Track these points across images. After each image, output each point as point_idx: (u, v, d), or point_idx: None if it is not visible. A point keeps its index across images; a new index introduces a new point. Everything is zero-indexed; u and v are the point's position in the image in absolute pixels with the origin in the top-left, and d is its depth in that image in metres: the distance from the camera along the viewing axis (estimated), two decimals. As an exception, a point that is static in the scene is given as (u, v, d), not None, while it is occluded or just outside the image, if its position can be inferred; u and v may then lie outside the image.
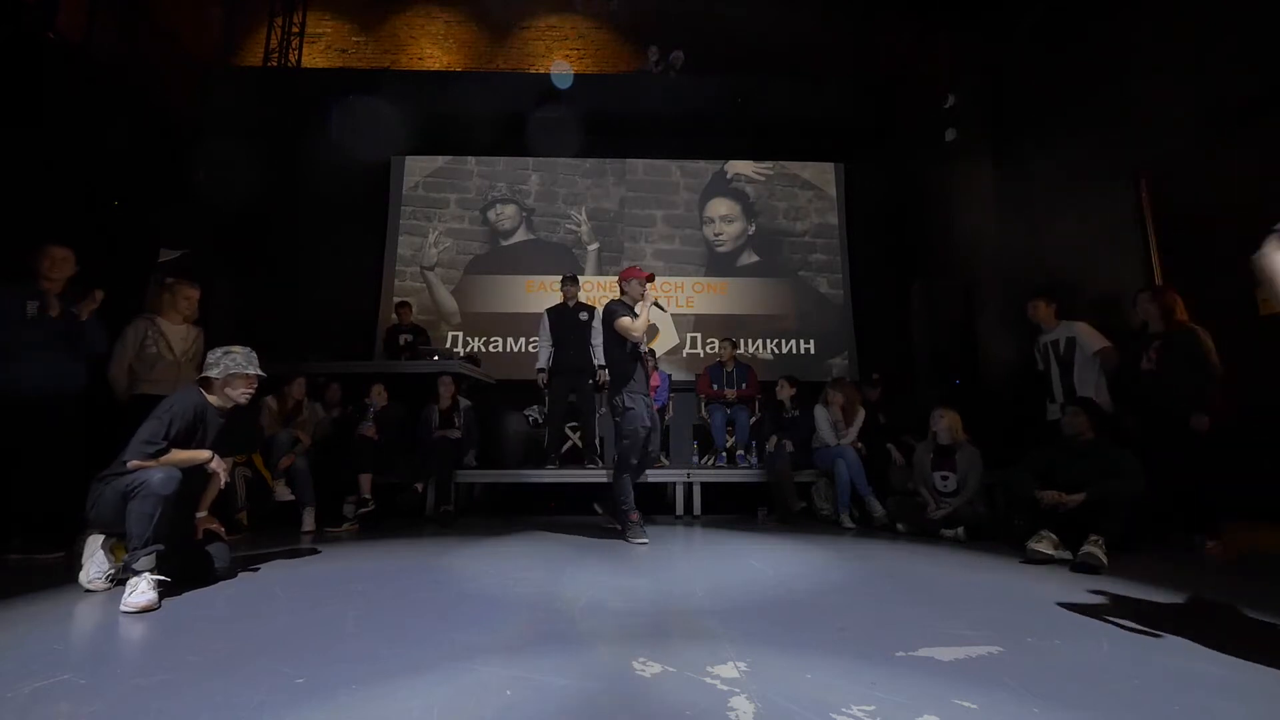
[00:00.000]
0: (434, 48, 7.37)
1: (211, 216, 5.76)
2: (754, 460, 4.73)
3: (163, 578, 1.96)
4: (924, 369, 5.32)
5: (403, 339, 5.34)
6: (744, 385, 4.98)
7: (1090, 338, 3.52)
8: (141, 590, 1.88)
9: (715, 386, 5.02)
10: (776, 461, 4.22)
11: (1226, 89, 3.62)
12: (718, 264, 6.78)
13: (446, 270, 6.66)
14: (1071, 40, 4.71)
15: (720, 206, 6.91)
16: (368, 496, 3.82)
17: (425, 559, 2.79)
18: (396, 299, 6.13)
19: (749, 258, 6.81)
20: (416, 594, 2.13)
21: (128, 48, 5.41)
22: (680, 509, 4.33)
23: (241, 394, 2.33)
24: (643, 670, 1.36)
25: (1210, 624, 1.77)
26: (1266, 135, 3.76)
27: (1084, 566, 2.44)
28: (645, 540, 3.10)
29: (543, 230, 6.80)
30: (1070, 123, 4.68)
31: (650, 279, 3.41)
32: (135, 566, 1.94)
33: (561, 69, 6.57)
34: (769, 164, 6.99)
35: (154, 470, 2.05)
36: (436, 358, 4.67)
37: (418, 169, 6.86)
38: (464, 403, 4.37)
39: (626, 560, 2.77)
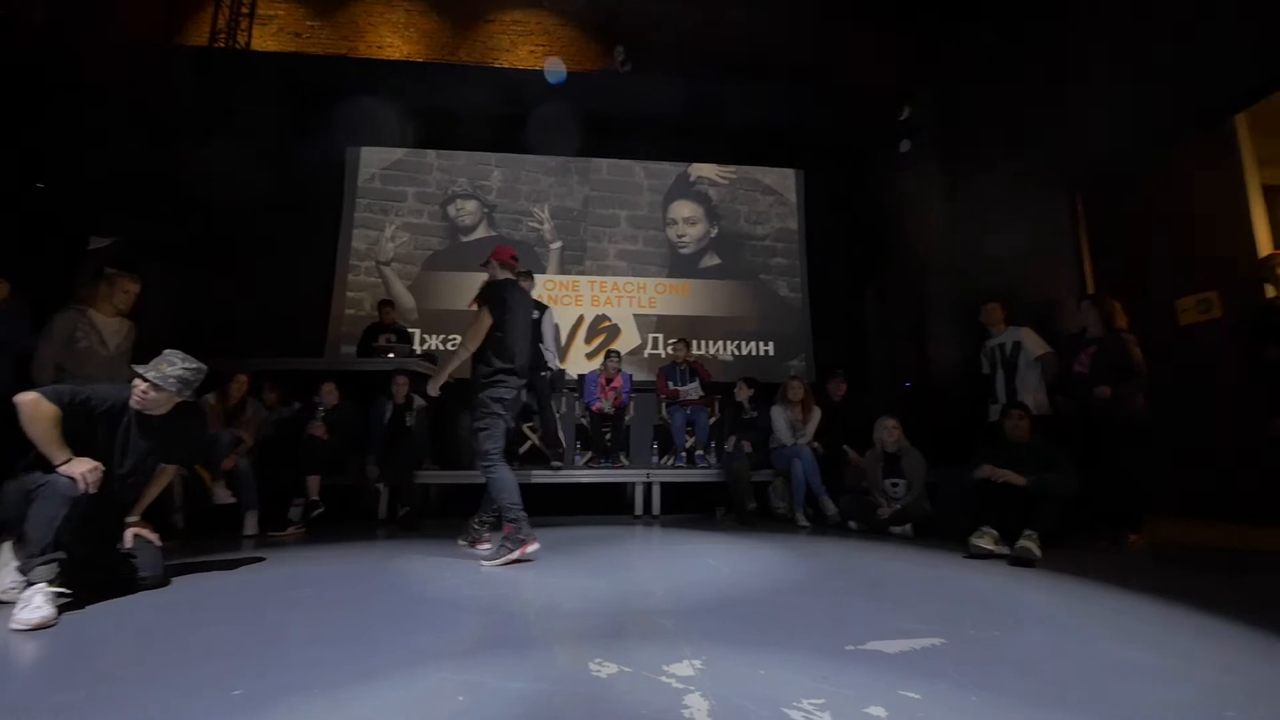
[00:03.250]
0: (394, 36, 7.15)
1: (150, 203, 5.44)
2: (713, 460, 4.79)
3: (63, 590, 1.78)
4: (878, 371, 5.51)
5: (384, 339, 5.14)
6: (696, 381, 5.03)
7: (1034, 343, 3.71)
8: (36, 605, 1.69)
9: (671, 385, 5.06)
10: (734, 461, 4.28)
11: (1158, 114, 3.88)
12: (680, 265, 6.83)
13: (404, 266, 6.48)
14: (1018, 62, 4.96)
15: (683, 208, 6.97)
16: (316, 499, 3.68)
17: (377, 563, 2.71)
18: (368, 295, 5.98)
19: (711, 260, 6.89)
20: (367, 599, 2.07)
21: (59, 21, 5.05)
22: (639, 509, 4.34)
23: (137, 398, 2.12)
24: (599, 671, 1.35)
25: (1133, 613, 1.89)
26: (1192, 158, 4.05)
27: (1020, 560, 2.57)
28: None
29: (504, 227, 6.71)
30: (1015, 139, 4.92)
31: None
32: (31, 577, 1.77)
33: (555, 65, 6.47)
34: (731, 168, 7.09)
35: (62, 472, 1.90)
36: (392, 355, 4.54)
37: (375, 161, 6.66)
38: (419, 401, 4.26)
39: (585, 561, 2.76)
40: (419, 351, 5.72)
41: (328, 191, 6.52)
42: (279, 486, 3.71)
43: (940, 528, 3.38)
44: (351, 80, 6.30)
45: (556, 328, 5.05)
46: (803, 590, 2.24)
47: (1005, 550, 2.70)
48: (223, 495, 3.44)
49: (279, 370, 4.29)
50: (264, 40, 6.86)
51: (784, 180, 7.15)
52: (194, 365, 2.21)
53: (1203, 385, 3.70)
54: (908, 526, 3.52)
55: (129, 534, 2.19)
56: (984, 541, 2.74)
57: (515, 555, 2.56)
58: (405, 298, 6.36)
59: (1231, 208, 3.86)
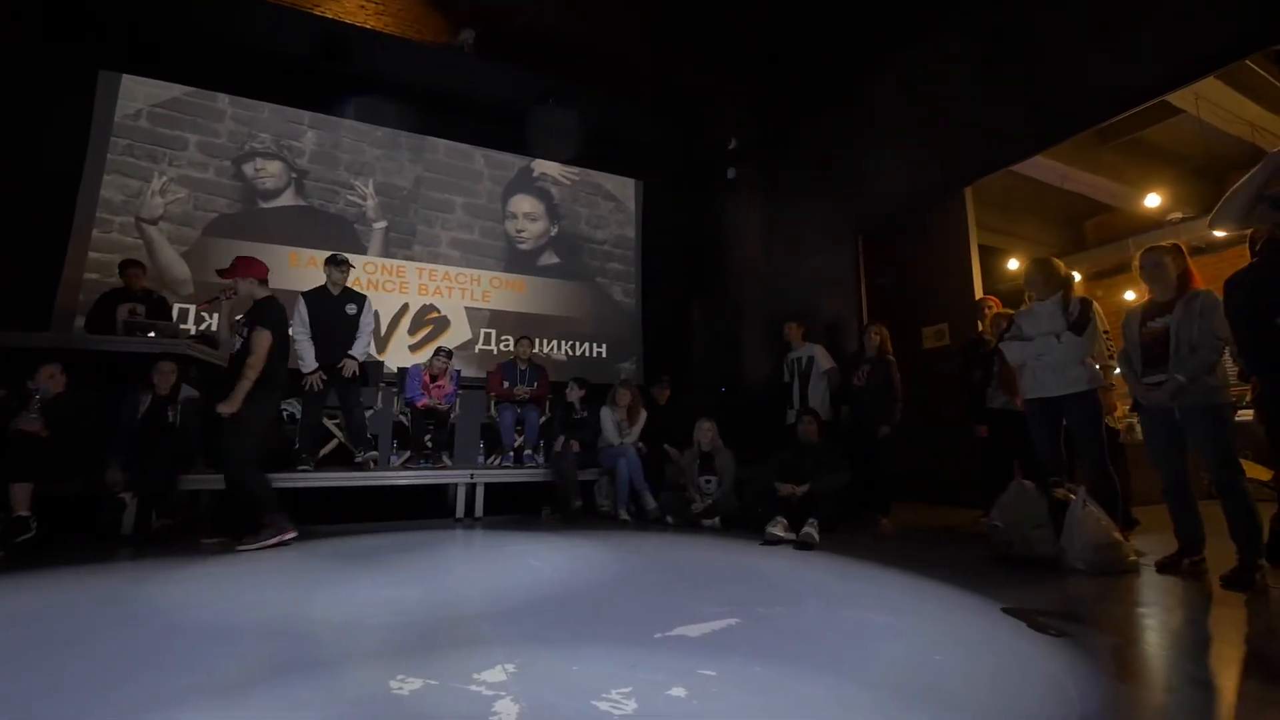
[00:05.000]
0: (178, -52, 5.89)
1: None
2: (541, 460, 4.75)
3: None
4: (700, 376, 5.96)
5: (127, 309, 4.09)
6: (535, 385, 4.97)
7: (823, 359, 4.36)
8: None
9: (507, 384, 4.92)
10: (562, 461, 4.30)
11: (916, 180, 4.79)
12: (518, 261, 6.68)
13: (177, 227, 5.36)
14: (825, 120, 5.77)
15: (524, 204, 6.83)
16: (25, 514, 2.87)
17: (118, 589, 2.20)
18: (122, 256, 4.71)
19: (549, 258, 6.85)
20: (101, 634, 1.67)
21: None
22: (461, 511, 4.14)
23: None
24: (400, 689, 1.26)
25: (880, 582, 2.31)
26: (936, 219, 5.07)
27: (803, 545, 3.00)
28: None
29: (317, 197, 5.91)
30: (818, 184, 5.72)
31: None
32: None
33: (466, 36, 5.86)
34: (575, 169, 7.13)
35: None
36: (154, 334, 3.73)
37: (142, 94, 5.40)
38: (188, 392, 3.56)
39: (394, 569, 2.55)
40: (193, 332, 4.80)
41: (69, 123, 5.13)
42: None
43: (743, 519, 3.78)
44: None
45: (377, 314, 4.60)
46: (620, 584, 2.34)
47: (792, 536, 3.12)
48: None
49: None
50: (-29, -93, 5.18)
51: (624, 189, 7.39)
52: None
53: (936, 398, 4.68)
54: (717, 520, 3.87)
55: None
56: (777, 530, 3.16)
57: None
58: (177, 266, 5.26)
59: (959, 260, 4.96)
